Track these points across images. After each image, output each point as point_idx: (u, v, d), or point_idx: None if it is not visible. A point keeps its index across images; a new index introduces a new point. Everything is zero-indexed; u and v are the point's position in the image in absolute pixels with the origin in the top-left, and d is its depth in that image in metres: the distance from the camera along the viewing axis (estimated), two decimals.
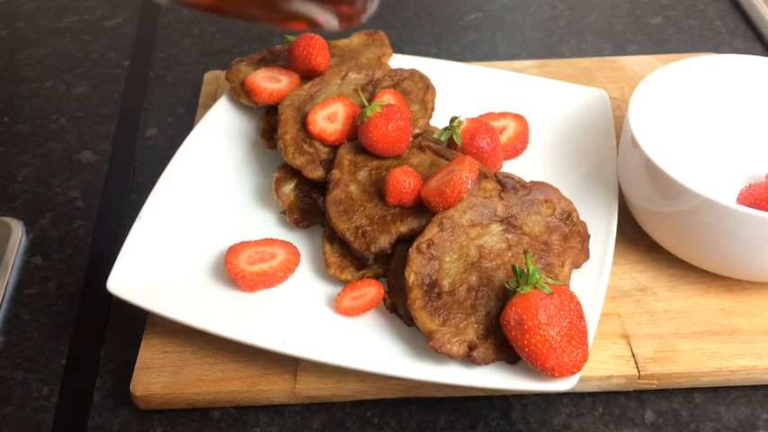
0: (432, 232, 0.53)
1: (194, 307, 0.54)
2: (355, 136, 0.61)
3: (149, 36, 0.89)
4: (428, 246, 0.53)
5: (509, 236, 0.54)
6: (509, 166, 0.66)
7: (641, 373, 0.53)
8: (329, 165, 0.61)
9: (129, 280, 0.55)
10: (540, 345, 0.47)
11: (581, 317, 0.49)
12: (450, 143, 0.62)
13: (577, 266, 0.56)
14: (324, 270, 0.57)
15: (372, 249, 0.55)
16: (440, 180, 0.55)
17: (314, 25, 0.36)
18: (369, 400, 0.53)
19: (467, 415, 0.53)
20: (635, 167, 0.58)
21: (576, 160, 0.66)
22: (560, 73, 0.78)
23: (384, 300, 0.54)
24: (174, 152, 0.64)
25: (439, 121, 0.66)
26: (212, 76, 0.79)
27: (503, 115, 0.68)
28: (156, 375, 0.53)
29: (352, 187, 0.59)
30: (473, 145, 0.61)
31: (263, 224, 0.62)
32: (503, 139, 0.66)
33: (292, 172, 0.62)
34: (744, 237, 0.52)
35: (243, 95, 0.68)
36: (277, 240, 0.58)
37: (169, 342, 0.55)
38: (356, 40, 0.75)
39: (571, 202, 0.57)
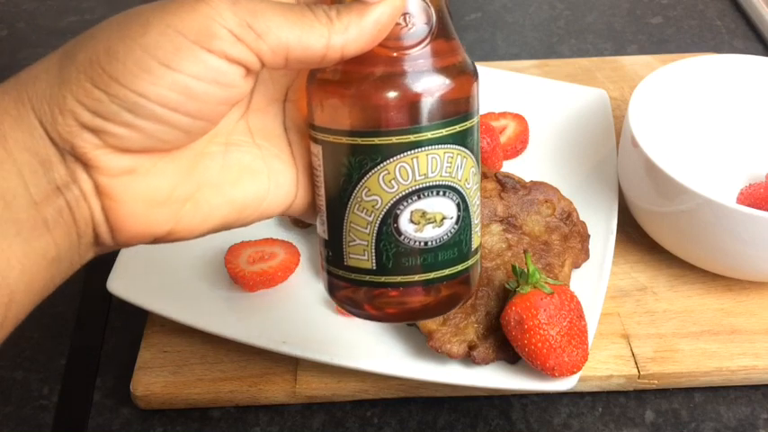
0: None
1: (194, 307, 0.54)
2: None
3: None
4: None
5: (509, 236, 0.54)
6: (509, 166, 0.66)
7: (641, 372, 0.53)
8: None
9: (129, 280, 0.55)
10: (540, 344, 0.47)
11: (581, 316, 0.49)
12: None
13: (577, 266, 0.56)
14: None
15: None
16: None
17: None
18: (369, 400, 0.53)
19: (467, 415, 0.53)
20: (635, 167, 0.58)
21: (576, 160, 0.66)
22: (560, 73, 0.77)
23: None
24: None
25: None
26: None
27: (503, 115, 0.68)
28: (156, 375, 0.53)
29: None
30: None
31: (262, 224, 0.60)
32: (503, 139, 0.66)
33: None
34: (744, 237, 0.52)
35: None
36: (277, 240, 0.58)
37: (169, 342, 0.55)
38: None
39: (571, 202, 0.57)
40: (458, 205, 0.35)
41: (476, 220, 0.37)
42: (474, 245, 0.37)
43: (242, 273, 0.55)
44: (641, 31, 0.89)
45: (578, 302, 0.49)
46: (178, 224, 0.33)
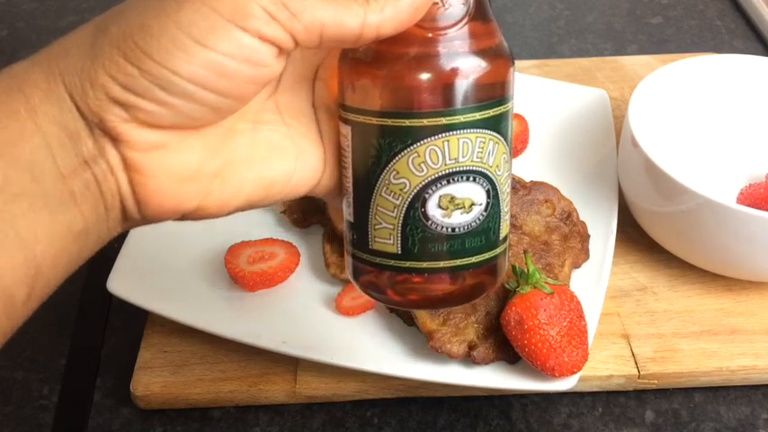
0: None
1: (194, 307, 0.54)
2: None
3: None
4: None
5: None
6: None
7: (641, 372, 0.53)
8: None
9: (129, 280, 0.55)
10: (540, 344, 0.47)
11: (581, 316, 0.49)
12: None
13: (577, 266, 0.56)
14: (324, 270, 0.57)
15: None
16: None
17: None
18: (369, 400, 0.53)
19: (467, 415, 0.53)
20: (635, 167, 0.58)
21: (576, 160, 0.66)
22: (560, 73, 0.78)
23: None
24: None
25: None
26: None
27: None
28: (156, 375, 0.53)
29: None
30: None
31: (263, 224, 0.62)
32: None
33: None
34: (744, 237, 0.52)
35: None
36: (277, 240, 0.58)
37: (169, 342, 0.55)
38: None
39: (571, 202, 0.57)
40: (487, 192, 0.34)
41: (505, 208, 0.36)
42: (502, 233, 0.36)
43: (242, 273, 0.55)
44: (641, 31, 0.89)
45: (578, 302, 0.49)
46: (206, 200, 0.33)
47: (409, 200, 0.34)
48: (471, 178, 0.34)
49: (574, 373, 0.48)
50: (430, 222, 0.34)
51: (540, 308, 0.47)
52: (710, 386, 0.54)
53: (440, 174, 0.33)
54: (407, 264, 0.35)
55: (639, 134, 0.56)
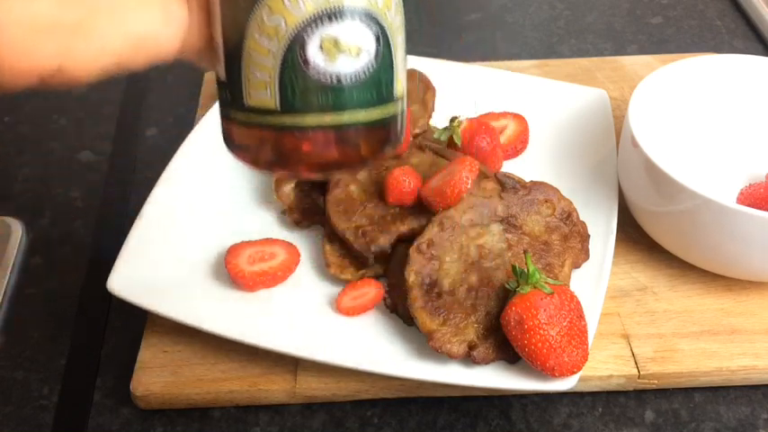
0: (432, 232, 0.53)
1: (194, 307, 0.54)
2: None
3: None
4: (428, 246, 0.53)
5: (509, 236, 0.54)
6: (509, 166, 0.66)
7: (641, 372, 0.53)
8: None
9: (129, 280, 0.55)
10: (540, 344, 0.47)
11: (581, 316, 0.49)
12: (450, 143, 0.62)
13: (577, 266, 0.56)
14: (324, 270, 0.57)
15: (372, 249, 0.55)
16: (440, 180, 0.55)
17: None
18: (369, 400, 0.53)
19: (467, 415, 0.53)
20: (635, 167, 0.58)
21: (576, 160, 0.66)
22: (560, 73, 0.77)
23: (384, 299, 0.54)
24: (175, 152, 0.64)
25: (439, 121, 0.66)
26: (213, 77, 0.78)
27: (503, 115, 0.68)
28: (156, 375, 0.53)
29: (353, 187, 0.59)
30: (473, 145, 0.61)
31: (263, 224, 0.62)
32: (503, 139, 0.66)
33: None
34: (744, 237, 0.52)
35: None
36: (277, 240, 0.58)
37: (169, 342, 0.55)
38: None
39: (571, 202, 0.57)
40: (377, 38, 0.30)
41: (398, 62, 0.32)
42: (397, 90, 0.32)
43: (242, 273, 0.55)
44: (641, 31, 0.89)
45: (578, 302, 0.49)
46: (68, 58, 0.30)
47: (286, 43, 0.29)
48: (358, 18, 0.30)
49: (574, 373, 0.48)
50: (311, 69, 0.30)
51: (540, 308, 0.47)
52: (710, 386, 0.54)
53: (321, 11, 0.29)
54: (288, 120, 0.31)
55: (639, 134, 0.56)
